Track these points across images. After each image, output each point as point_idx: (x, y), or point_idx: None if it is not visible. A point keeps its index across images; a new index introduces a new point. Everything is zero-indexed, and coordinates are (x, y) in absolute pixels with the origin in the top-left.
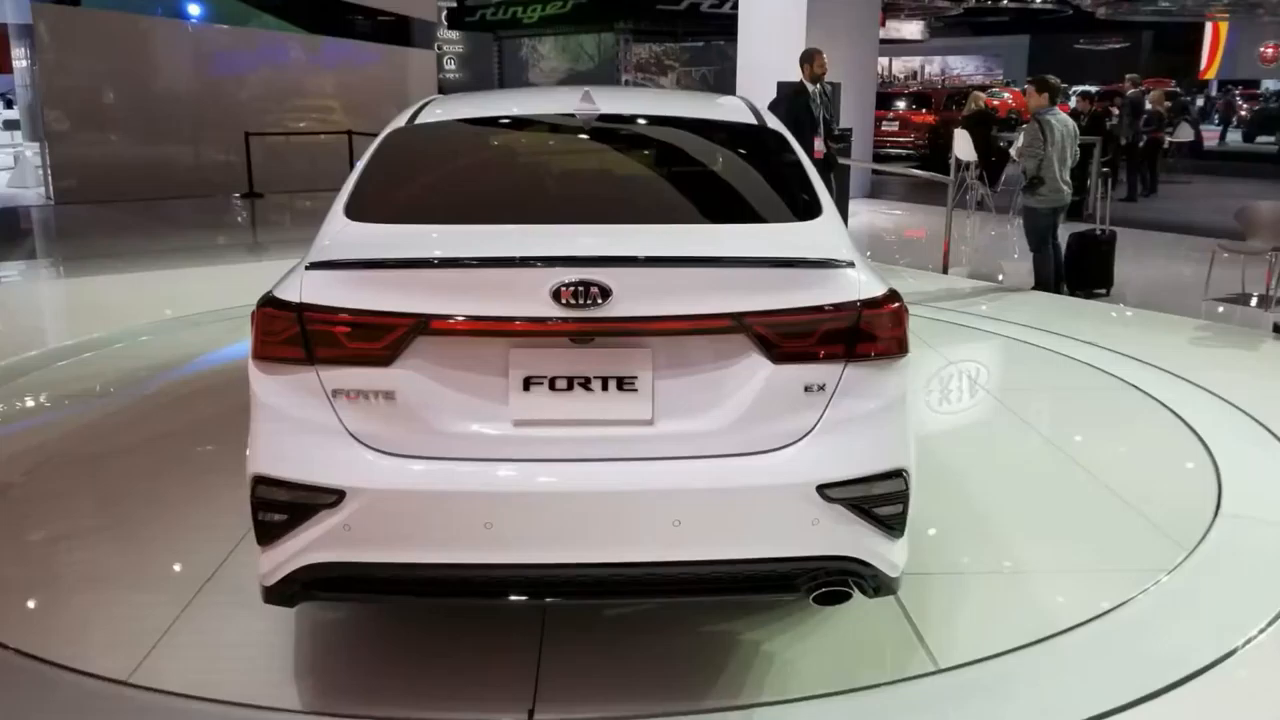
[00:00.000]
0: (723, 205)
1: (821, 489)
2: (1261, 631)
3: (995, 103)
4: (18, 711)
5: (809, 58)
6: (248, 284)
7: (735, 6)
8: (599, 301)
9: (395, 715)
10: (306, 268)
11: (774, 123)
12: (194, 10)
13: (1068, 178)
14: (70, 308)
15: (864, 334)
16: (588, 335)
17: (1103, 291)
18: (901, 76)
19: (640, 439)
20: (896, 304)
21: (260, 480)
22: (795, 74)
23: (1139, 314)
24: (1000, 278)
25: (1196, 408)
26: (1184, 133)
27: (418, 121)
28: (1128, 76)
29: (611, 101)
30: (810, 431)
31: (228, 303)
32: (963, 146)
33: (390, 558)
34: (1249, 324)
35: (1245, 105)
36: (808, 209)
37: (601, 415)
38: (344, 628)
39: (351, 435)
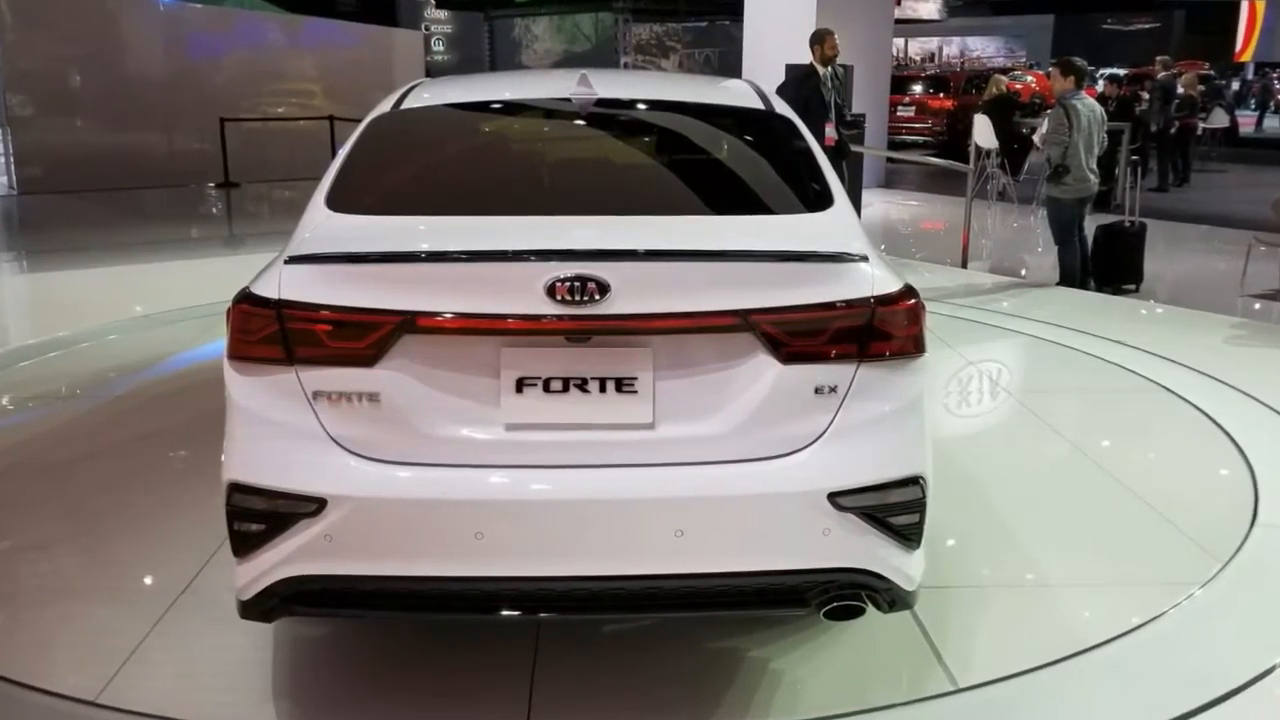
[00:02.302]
0: (728, 196)
1: (833, 497)
2: None
3: (1017, 86)
4: None
5: (820, 39)
6: (223, 279)
7: None
8: (596, 298)
9: None
10: (285, 262)
11: (782, 108)
12: None
13: (1094, 166)
14: (34, 304)
15: (878, 332)
16: (584, 334)
17: (1132, 287)
18: (918, 59)
19: (640, 444)
20: (913, 300)
21: (236, 488)
22: (805, 56)
23: (1170, 311)
24: (1023, 272)
25: (1231, 411)
26: (1218, 118)
27: (404, 107)
28: (1158, 59)
29: (610, 86)
30: (821, 436)
31: (202, 299)
32: (983, 133)
33: (374, 570)
34: None
35: None
36: (818, 200)
37: (599, 419)
38: (326, 644)
39: (333, 440)
